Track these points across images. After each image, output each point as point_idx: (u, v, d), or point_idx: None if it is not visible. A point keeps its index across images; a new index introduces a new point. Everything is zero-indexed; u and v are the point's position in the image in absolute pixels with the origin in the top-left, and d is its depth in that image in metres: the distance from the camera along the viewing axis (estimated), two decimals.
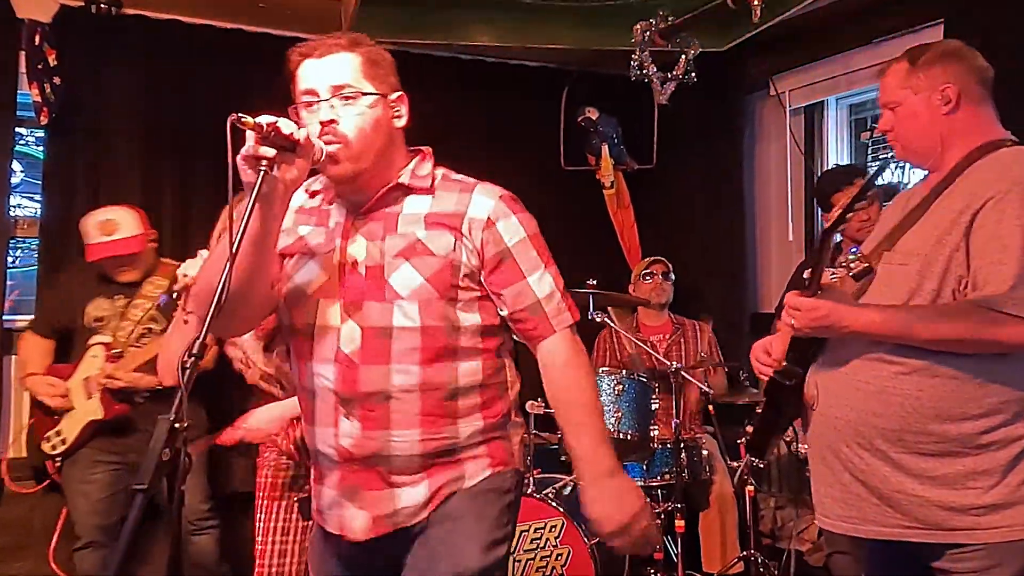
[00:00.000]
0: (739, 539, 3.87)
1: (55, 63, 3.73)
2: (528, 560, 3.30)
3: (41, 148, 4.03)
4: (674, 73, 4.10)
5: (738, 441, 3.84)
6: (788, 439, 3.31)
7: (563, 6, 4.10)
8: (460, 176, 1.84)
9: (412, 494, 1.74)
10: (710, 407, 4.02)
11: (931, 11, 3.71)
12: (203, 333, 1.42)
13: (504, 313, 1.79)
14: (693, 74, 4.09)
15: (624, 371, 3.65)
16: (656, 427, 3.58)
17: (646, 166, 4.92)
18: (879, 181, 3.77)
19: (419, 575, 1.73)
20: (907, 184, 3.73)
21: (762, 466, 3.96)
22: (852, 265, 1.95)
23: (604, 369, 3.69)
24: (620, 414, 3.48)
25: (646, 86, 4.18)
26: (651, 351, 4.01)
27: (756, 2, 3.50)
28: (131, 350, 3.30)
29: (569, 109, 4.83)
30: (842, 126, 4.60)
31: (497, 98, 4.73)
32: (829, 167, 4.41)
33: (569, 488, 3.48)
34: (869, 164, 4.40)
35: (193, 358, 1.39)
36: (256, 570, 2.72)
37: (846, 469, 1.90)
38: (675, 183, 4.94)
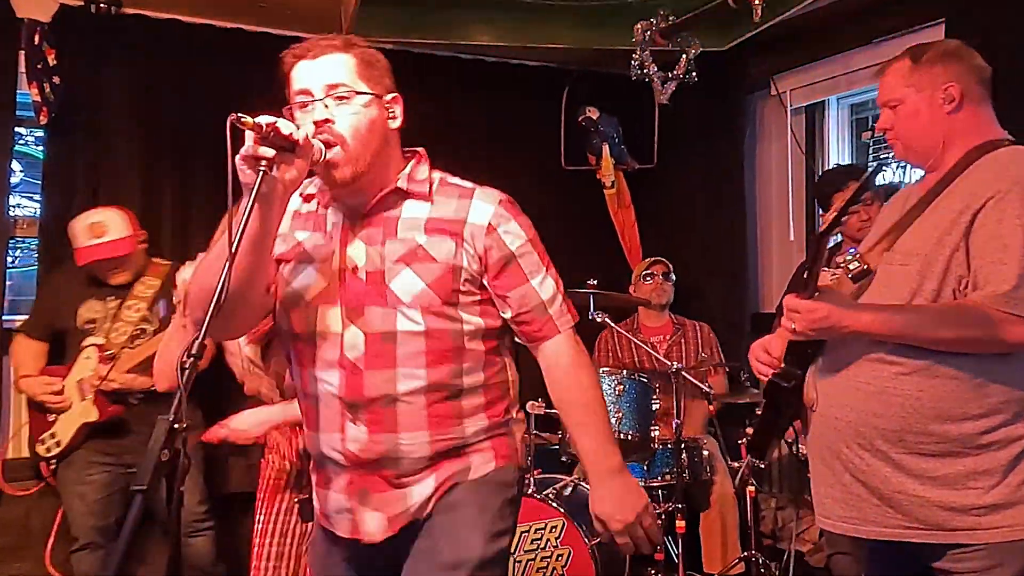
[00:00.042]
0: (740, 539, 3.86)
1: (54, 63, 3.71)
2: (528, 561, 3.30)
3: (40, 148, 4.02)
4: (675, 73, 4.09)
5: (739, 442, 3.84)
6: (789, 440, 3.31)
7: (564, 6, 4.10)
8: (456, 180, 1.84)
9: (421, 490, 1.76)
10: (711, 407, 4.02)
11: (932, 11, 3.70)
12: (202, 334, 1.41)
13: (508, 315, 1.80)
14: (694, 74, 4.09)
15: (625, 371, 3.64)
16: (657, 427, 3.58)
17: (647, 166, 4.91)
18: (877, 182, 3.77)
19: (422, 564, 1.74)
20: (907, 183, 3.72)
21: (763, 466, 3.96)
22: (851, 267, 1.94)
23: (605, 369, 3.69)
24: (621, 414, 3.48)
25: (647, 86, 4.18)
26: (652, 351, 4.01)
27: (757, 1, 3.50)
28: (124, 351, 3.28)
29: (570, 109, 4.82)
30: (843, 126, 4.59)
31: (497, 98, 4.72)
32: (830, 167, 4.41)
33: (570, 489, 3.48)
34: (870, 164, 4.39)
35: (192, 359, 1.38)
36: (252, 571, 2.72)
37: (846, 470, 1.90)
38: (676, 183, 4.93)
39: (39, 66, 3.68)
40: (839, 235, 3.34)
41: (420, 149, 1.86)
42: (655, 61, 4.06)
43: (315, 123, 1.66)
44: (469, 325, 1.76)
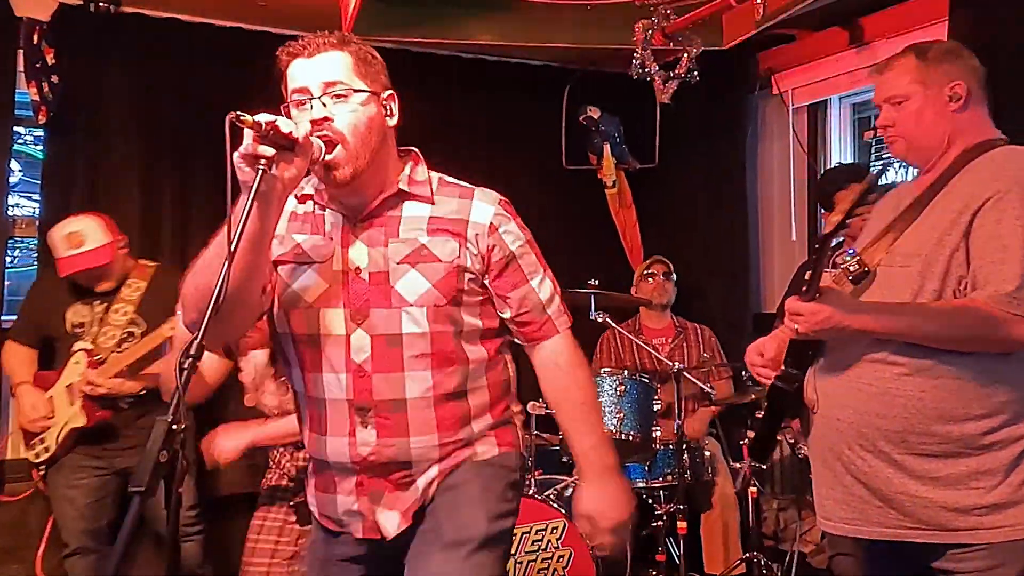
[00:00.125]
0: (741, 540, 3.86)
1: (53, 62, 3.70)
2: (529, 562, 3.29)
3: (39, 147, 4.02)
4: (676, 72, 4.08)
5: (740, 442, 3.83)
6: (791, 440, 3.30)
7: (564, 5, 4.09)
8: (454, 180, 1.84)
9: (426, 478, 1.78)
10: (712, 407, 4.01)
11: (934, 10, 3.69)
12: (200, 334, 1.40)
13: (507, 315, 1.82)
14: (695, 73, 4.08)
15: (626, 372, 3.64)
16: (658, 428, 3.57)
17: (648, 165, 4.90)
18: (881, 182, 3.76)
19: (426, 546, 1.75)
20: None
21: (764, 468, 3.95)
22: (850, 268, 1.94)
23: (606, 370, 3.69)
24: (622, 415, 3.47)
25: (648, 85, 4.16)
26: (653, 352, 4.00)
27: (759, 1, 3.49)
28: (113, 356, 3.24)
29: (571, 108, 4.81)
30: (845, 125, 4.59)
31: (498, 97, 4.71)
32: (832, 166, 4.40)
33: (571, 489, 3.47)
34: (872, 163, 4.38)
35: (191, 359, 1.37)
36: (243, 567, 2.73)
37: (848, 471, 1.90)
38: (677, 182, 4.92)
39: (38, 65, 3.67)
40: (841, 236, 3.32)
41: (414, 149, 1.86)
42: (656, 60, 4.05)
43: (313, 121, 1.64)
44: (469, 327, 1.77)
